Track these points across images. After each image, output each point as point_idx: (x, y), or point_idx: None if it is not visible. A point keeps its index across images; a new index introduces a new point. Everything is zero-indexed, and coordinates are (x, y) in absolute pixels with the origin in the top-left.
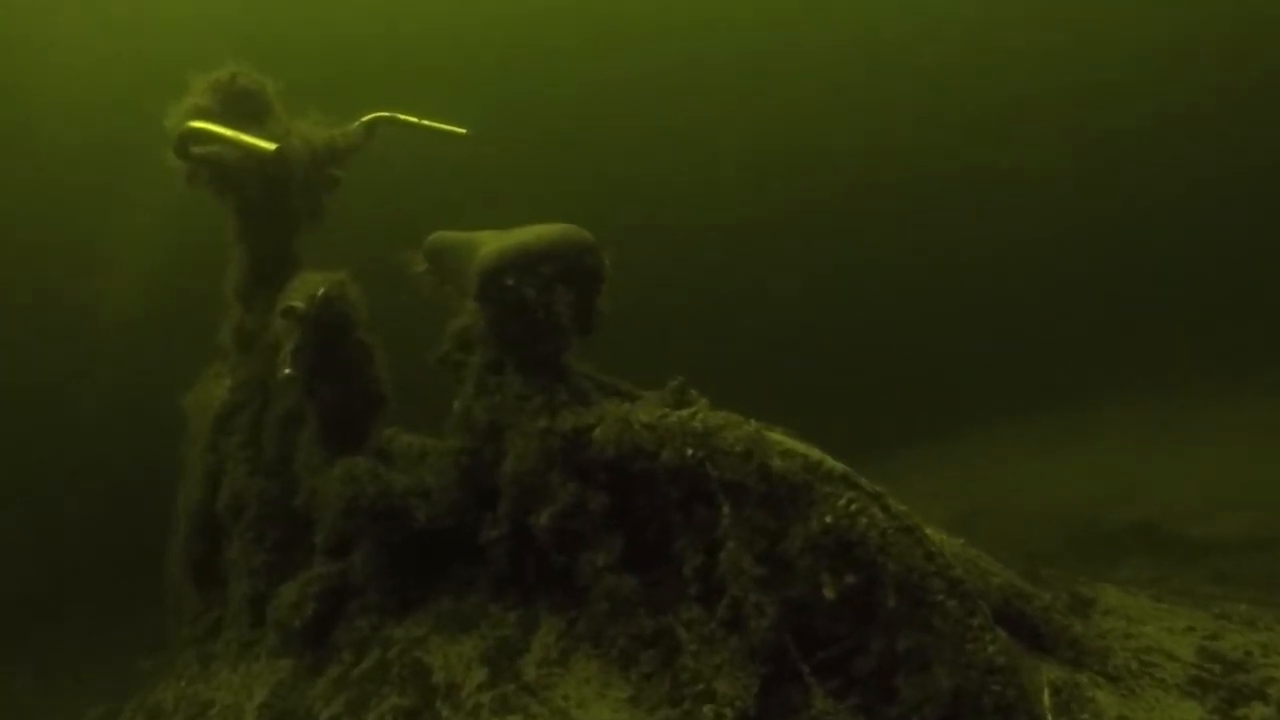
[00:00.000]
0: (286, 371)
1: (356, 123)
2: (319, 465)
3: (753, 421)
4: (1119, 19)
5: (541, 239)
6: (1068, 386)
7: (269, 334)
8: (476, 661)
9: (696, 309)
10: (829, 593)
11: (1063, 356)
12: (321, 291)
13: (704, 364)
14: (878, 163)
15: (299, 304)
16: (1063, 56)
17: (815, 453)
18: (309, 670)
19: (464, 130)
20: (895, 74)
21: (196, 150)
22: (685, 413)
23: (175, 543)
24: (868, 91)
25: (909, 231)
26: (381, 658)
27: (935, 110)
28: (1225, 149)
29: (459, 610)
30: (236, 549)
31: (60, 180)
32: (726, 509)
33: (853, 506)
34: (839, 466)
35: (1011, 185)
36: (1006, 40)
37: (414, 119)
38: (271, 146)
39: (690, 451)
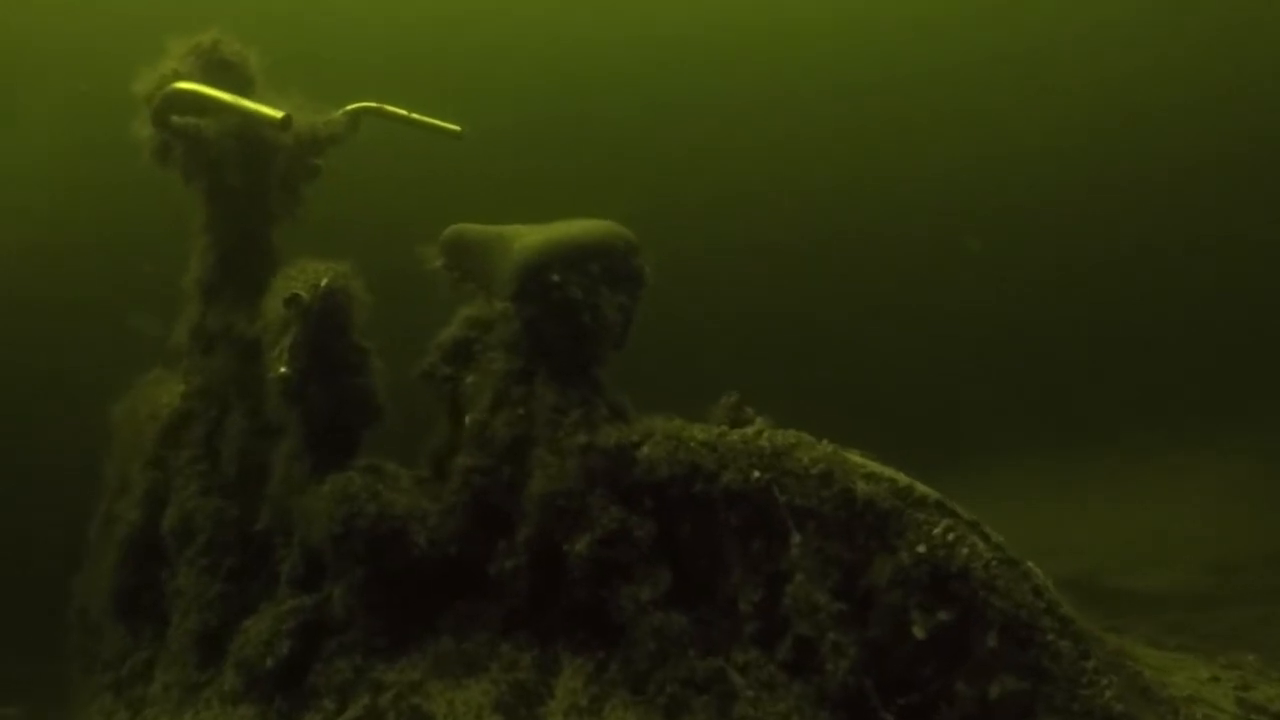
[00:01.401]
0: (283, 370)
1: (340, 111)
2: (301, 482)
3: (826, 441)
4: None
5: (590, 234)
6: (988, 442)
7: (234, 334)
8: (489, 709)
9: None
10: (918, 631)
11: (984, 411)
12: (325, 281)
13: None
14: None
15: (304, 293)
16: None
17: (902, 477)
18: (280, 717)
19: (459, 128)
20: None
21: (177, 119)
22: (750, 430)
23: (97, 571)
24: None
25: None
26: (372, 704)
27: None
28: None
29: (462, 650)
30: (183, 578)
31: None
32: (796, 538)
33: (950, 535)
34: (931, 492)
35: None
36: None
37: (404, 112)
38: (278, 114)
39: (757, 474)
